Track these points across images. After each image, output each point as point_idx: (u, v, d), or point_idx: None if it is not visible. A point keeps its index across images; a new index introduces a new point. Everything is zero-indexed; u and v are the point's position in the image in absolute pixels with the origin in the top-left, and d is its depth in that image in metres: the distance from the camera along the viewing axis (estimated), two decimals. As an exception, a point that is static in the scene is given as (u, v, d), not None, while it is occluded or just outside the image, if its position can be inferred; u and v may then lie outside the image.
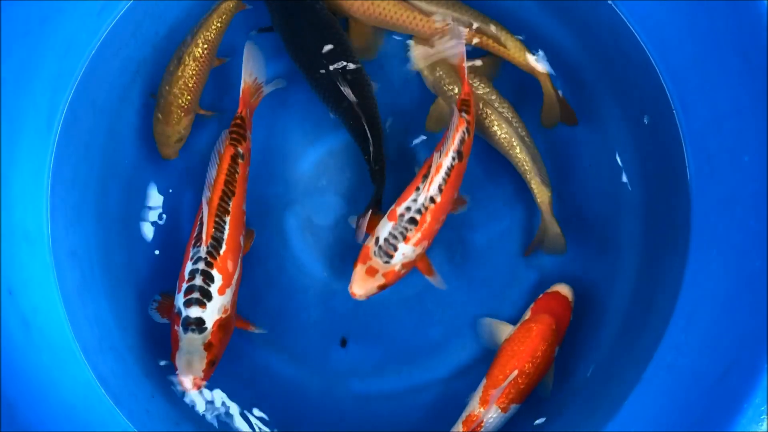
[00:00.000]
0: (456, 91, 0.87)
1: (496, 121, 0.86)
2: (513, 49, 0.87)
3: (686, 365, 0.75)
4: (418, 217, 0.79)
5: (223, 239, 0.78)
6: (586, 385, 0.86)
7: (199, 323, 0.76)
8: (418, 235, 0.79)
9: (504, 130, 0.86)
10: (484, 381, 0.82)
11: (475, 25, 0.86)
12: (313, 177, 0.91)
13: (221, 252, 0.78)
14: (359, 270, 0.81)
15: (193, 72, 0.85)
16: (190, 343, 0.77)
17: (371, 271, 0.80)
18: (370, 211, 0.84)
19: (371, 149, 0.85)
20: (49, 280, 0.82)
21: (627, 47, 0.85)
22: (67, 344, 0.81)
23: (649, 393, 0.78)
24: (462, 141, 0.81)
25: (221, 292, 0.78)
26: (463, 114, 0.82)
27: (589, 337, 0.87)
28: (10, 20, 0.75)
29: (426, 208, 0.79)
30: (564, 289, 0.85)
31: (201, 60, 0.86)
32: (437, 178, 0.79)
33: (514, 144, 0.86)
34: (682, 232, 0.81)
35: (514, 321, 0.87)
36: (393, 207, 0.81)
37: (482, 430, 0.80)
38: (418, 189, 0.80)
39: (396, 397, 0.89)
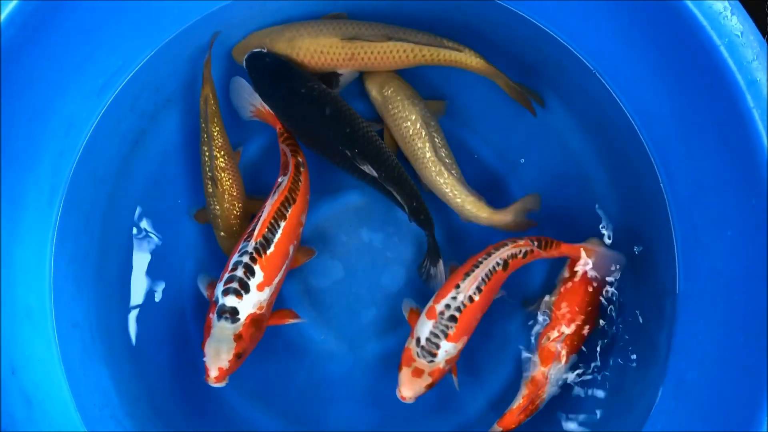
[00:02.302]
0: (404, 114, 0.89)
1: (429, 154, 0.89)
2: (469, 57, 0.88)
3: (677, 433, 0.76)
4: (457, 314, 0.81)
5: (273, 241, 0.80)
6: (580, 451, 0.87)
7: (233, 313, 0.77)
8: (457, 327, 0.81)
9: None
10: (540, 338, 0.85)
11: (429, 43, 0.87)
12: (309, 241, 0.93)
13: (268, 252, 0.79)
14: (405, 373, 0.82)
15: (230, 181, 0.88)
16: (221, 331, 0.77)
17: (417, 373, 0.81)
18: (440, 259, 0.88)
19: (409, 208, 0.87)
20: (52, 354, 0.83)
21: (614, 118, 0.87)
22: (68, 416, 0.82)
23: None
24: (514, 256, 0.83)
25: (260, 288, 0.79)
26: (532, 242, 0.84)
27: (581, 400, 0.88)
28: (14, 104, 0.77)
29: (465, 306, 0.81)
30: (595, 243, 0.87)
31: (228, 167, 0.89)
32: (478, 280, 0.82)
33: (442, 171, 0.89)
34: (669, 300, 0.83)
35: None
36: (431, 304, 0.83)
37: (546, 386, 0.83)
38: (458, 287, 0.82)
39: (394, 460, 0.90)
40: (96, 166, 0.88)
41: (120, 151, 0.91)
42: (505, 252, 0.83)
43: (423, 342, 0.81)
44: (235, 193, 0.89)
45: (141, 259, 0.92)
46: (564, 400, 0.87)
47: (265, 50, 0.89)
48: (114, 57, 0.85)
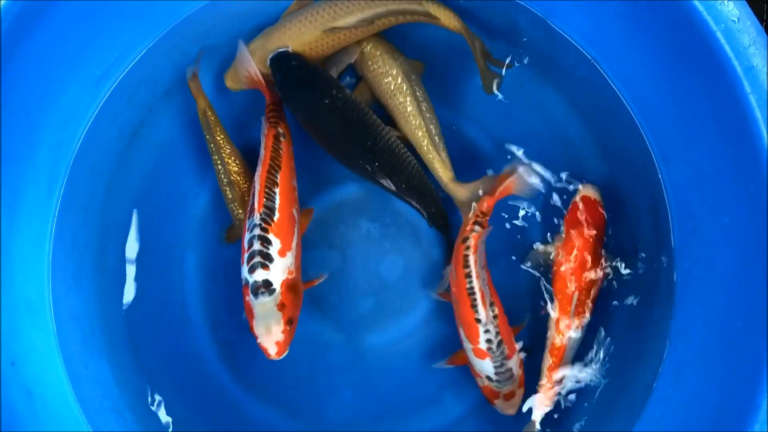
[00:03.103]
0: (384, 69, 0.89)
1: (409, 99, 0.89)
2: (444, 17, 0.86)
3: (675, 421, 0.76)
4: (499, 338, 0.82)
5: (274, 207, 0.80)
6: (578, 439, 0.87)
7: (267, 285, 0.77)
8: (507, 345, 0.83)
9: (412, 111, 0.89)
10: (556, 305, 0.85)
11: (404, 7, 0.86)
12: (306, 232, 0.93)
13: (275, 218, 0.79)
14: (500, 402, 0.86)
15: (246, 183, 0.90)
16: (263, 307, 0.77)
17: (509, 395, 0.85)
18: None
19: (428, 214, 0.88)
20: (51, 346, 0.83)
21: (611, 106, 0.87)
22: (69, 408, 0.83)
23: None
24: (474, 242, 0.83)
25: (282, 254, 0.78)
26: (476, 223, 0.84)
27: (580, 388, 0.88)
28: (12, 97, 0.78)
29: (497, 327, 0.82)
30: (588, 191, 0.87)
31: (241, 170, 0.90)
32: (485, 297, 0.82)
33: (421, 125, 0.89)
34: (667, 286, 0.83)
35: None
36: (469, 346, 0.84)
37: (567, 351, 0.85)
38: (479, 321, 0.82)
39: (393, 450, 0.91)
40: (94, 159, 0.88)
41: (118, 143, 0.91)
42: (476, 253, 0.83)
43: (495, 377, 0.84)
44: (242, 188, 0.90)
45: (140, 252, 0.93)
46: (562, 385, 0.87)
47: (290, 50, 0.88)
48: (111, 49, 0.85)
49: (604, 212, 0.87)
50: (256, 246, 0.77)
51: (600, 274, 0.86)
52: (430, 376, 0.92)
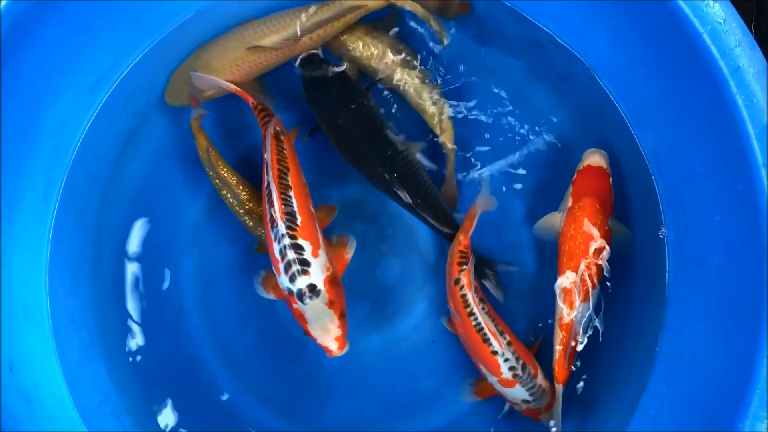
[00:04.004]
0: (360, 47, 0.90)
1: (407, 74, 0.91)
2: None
3: (669, 419, 0.77)
4: (521, 361, 0.83)
5: (295, 212, 0.80)
6: (573, 437, 0.88)
7: (312, 288, 0.78)
8: (530, 365, 0.84)
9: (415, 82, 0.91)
10: (559, 278, 0.84)
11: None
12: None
13: (299, 222, 0.80)
14: (544, 415, 0.86)
15: (260, 208, 0.90)
16: (314, 309, 0.78)
17: (549, 406, 0.86)
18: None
19: (443, 234, 0.88)
20: (49, 351, 0.84)
21: (603, 107, 0.88)
22: (67, 412, 0.83)
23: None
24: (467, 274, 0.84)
25: (315, 254, 0.79)
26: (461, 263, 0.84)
27: (573, 388, 0.89)
28: (8, 104, 0.78)
29: (515, 353, 0.83)
30: (595, 159, 0.85)
31: (252, 197, 0.90)
32: (494, 330, 0.83)
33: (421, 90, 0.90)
34: (660, 285, 0.84)
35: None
36: (494, 379, 0.84)
37: (577, 326, 0.83)
38: (495, 353, 0.83)
39: (390, 451, 0.91)
40: (90, 165, 0.89)
41: (114, 149, 0.92)
42: (471, 289, 0.83)
43: (531, 398, 0.84)
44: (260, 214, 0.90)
45: (137, 257, 0.93)
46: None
47: (320, 52, 0.89)
48: (106, 56, 0.86)
49: (610, 179, 0.85)
50: (290, 255, 0.78)
51: (605, 244, 0.84)
52: (427, 378, 0.93)
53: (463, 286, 0.82)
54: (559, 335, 0.83)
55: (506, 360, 0.82)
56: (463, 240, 0.84)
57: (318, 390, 0.93)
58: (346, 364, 0.93)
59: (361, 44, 0.90)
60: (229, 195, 0.90)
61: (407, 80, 0.91)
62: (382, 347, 0.94)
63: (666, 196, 0.83)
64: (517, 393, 0.84)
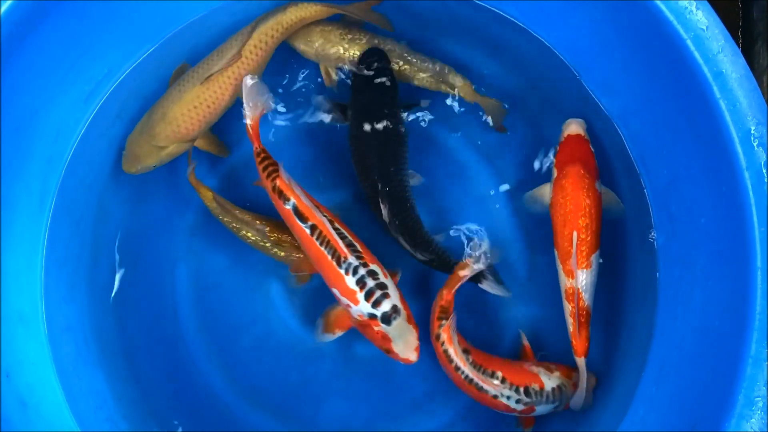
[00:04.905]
0: (339, 51, 0.92)
1: (416, 68, 0.93)
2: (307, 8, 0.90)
3: (658, 420, 0.78)
4: (520, 389, 0.84)
5: (352, 242, 0.83)
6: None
7: (395, 309, 0.81)
8: (534, 383, 0.85)
9: (427, 74, 0.93)
10: (557, 254, 0.85)
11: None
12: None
13: (360, 250, 0.83)
14: (576, 401, 0.86)
15: (275, 234, 0.91)
16: (399, 328, 0.82)
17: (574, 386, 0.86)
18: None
19: (419, 259, 0.88)
20: (45, 358, 0.84)
21: (591, 114, 0.89)
22: (63, 419, 0.84)
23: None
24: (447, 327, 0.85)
25: (386, 276, 0.83)
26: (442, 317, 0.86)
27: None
28: (2, 112, 0.78)
29: (511, 383, 0.84)
30: (573, 128, 0.87)
31: (274, 229, 0.91)
32: (485, 379, 0.84)
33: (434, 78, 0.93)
34: (650, 287, 0.85)
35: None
36: (512, 414, 0.86)
37: (583, 293, 0.83)
38: (496, 397, 0.84)
39: (385, 455, 0.92)
40: (85, 173, 0.90)
41: (108, 157, 0.92)
42: (452, 343, 0.85)
43: (556, 407, 0.85)
44: (289, 240, 0.91)
45: (132, 263, 0.94)
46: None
47: (384, 51, 0.91)
48: (100, 65, 0.87)
49: (590, 145, 0.86)
50: (370, 282, 0.81)
51: (598, 209, 0.85)
52: (419, 382, 0.93)
53: (443, 342, 0.84)
54: (568, 308, 0.84)
55: (509, 398, 0.83)
56: (445, 295, 0.85)
57: (313, 394, 0.94)
58: (340, 370, 0.94)
59: (341, 49, 0.92)
60: (249, 233, 0.91)
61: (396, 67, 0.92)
62: (376, 352, 0.93)
63: (654, 200, 0.85)
64: (541, 410, 0.85)
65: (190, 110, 0.87)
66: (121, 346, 0.92)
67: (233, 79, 0.88)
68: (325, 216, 0.84)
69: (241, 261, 0.95)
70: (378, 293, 0.81)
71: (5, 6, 0.74)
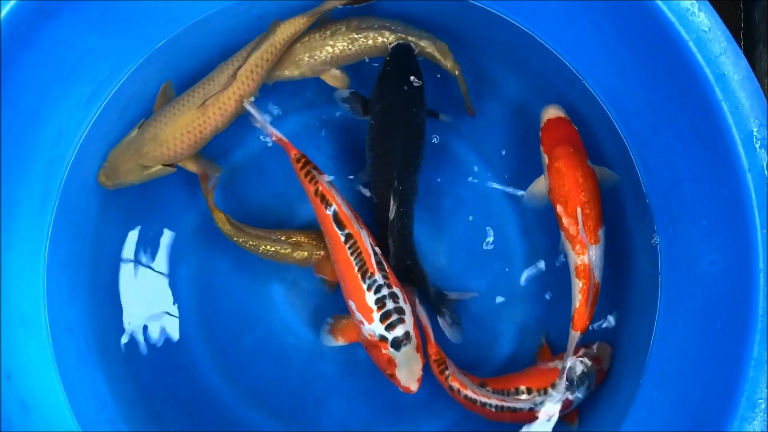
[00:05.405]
0: (329, 50, 0.90)
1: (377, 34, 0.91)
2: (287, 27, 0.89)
3: (659, 421, 0.78)
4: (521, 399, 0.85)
5: (381, 260, 0.83)
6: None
7: (407, 336, 0.81)
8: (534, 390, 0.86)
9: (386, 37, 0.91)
10: (563, 234, 0.85)
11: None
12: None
13: (387, 269, 0.83)
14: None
15: (291, 240, 0.92)
16: (406, 355, 0.82)
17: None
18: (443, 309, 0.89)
19: (403, 263, 0.88)
20: (47, 360, 0.84)
21: (594, 115, 0.89)
22: (65, 421, 0.84)
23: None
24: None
25: (405, 301, 0.82)
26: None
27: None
28: (4, 114, 0.79)
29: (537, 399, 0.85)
30: (552, 112, 0.87)
31: (290, 237, 0.92)
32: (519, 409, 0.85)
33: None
34: (652, 289, 0.85)
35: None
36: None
37: (594, 269, 0.84)
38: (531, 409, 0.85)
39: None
40: (87, 175, 0.90)
41: (111, 159, 0.92)
42: (464, 386, 0.85)
43: (583, 396, 0.86)
44: (307, 240, 0.91)
45: (133, 265, 0.94)
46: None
47: (415, 48, 0.91)
48: (102, 66, 0.87)
49: (573, 125, 0.87)
50: (390, 305, 0.81)
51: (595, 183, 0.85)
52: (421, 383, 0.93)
53: (458, 390, 0.85)
54: (578, 284, 0.84)
55: (542, 403, 0.84)
56: (432, 350, 0.86)
57: (314, 396, 0.94)
58: (341, 371, 0.94)
59: (329, 48, 0.91)
60: (268, 246, 0.90)
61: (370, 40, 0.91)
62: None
63: (655, 202, 0.84)
64: (577, 398, 0.85)
65: (183, 134, 0.86)
66: (121, 349, 0.92)
67: (230, 105, 0.87)
68: (362, 228, 0.83)
69: (242, 263, 0.95)
70: (394, 317, 0.81)
71: (7, 7, 0.74)
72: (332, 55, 0.91)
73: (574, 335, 0.84)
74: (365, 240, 0.82)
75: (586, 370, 0.85)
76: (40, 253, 0.86)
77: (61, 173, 0.87)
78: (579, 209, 0.83)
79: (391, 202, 0.86)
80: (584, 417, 0.88)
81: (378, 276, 0.81)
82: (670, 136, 0.79)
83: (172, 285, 0.95)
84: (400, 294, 0.82)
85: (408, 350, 0.81)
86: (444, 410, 0.93)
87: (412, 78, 0.89)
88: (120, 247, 0.94)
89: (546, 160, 0.87)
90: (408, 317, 0.82)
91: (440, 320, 0.87)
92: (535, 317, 0.94)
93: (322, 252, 0.90)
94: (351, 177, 0.96)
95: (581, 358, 0.86)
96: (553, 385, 0.85)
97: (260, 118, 0.87)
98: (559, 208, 0.85)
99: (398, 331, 0.81)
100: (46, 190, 0.86)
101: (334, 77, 0.93)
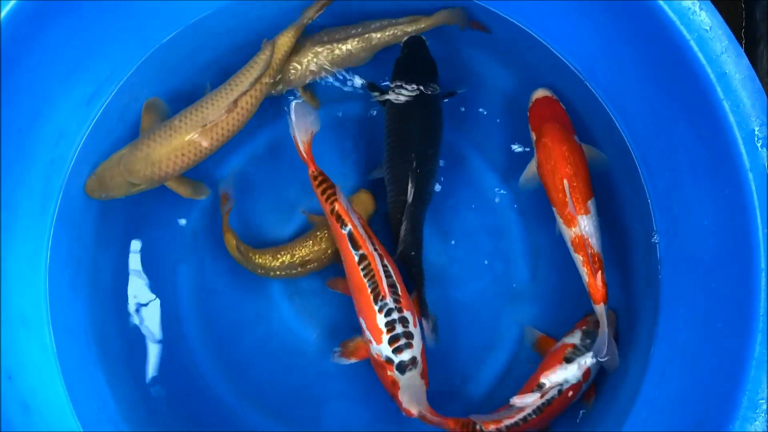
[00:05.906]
0: (310, 66, 0.91)
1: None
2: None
3: (660, 421, 0.78)
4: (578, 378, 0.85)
5: (395, 282, 0.83)
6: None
7: (413, 361, 0.82)
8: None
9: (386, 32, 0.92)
10: (555, 210, 0.86)
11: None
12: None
13: (400, 293, 0.82)
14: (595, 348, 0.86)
15: (302, 252, 0.92)
16: (411, 380, 0.82)
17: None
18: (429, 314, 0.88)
19: (411, 255, 0.88)
20: (49, 360, 0.84)
21: (595, 115, 0.89)
22: (66, 421, 0.84)
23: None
24: (577, 379, 0.85)
25: (415, 324, 0.82)
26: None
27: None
28: (5, 115, 0.79)
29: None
30: (539, 92, 0.89)
31: (297, 252, 0.92)
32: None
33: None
34: (652, 289, 0.85)
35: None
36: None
37: (589, 239, 0.84)
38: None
39: (387, 457, 0.92)
40: (88, 175, 0.90)
41: (111, 161, 0.92)
42: (487, 424, 0.85)
43: (580, 346, 0.87)
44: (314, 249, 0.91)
45: (134, 265, 0.94)
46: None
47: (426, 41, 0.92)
48: (102, 67, 0.87)
49: (560, 103, 0.88)
50: (399, 329, 0.81)
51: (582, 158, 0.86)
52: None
53: (498, 430, 0.85)
54: (579, 259, 0.84)
55: (567, 381, 0.84)
56: (450, 424, 0.86)
57: (314, 396, 0.94)
58: (342, 371, 0.93)
59: (305, 61, 0.92)
60: (279, 270, 0.90)
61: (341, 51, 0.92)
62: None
63: (656, 202, 0.84)
64: (593, 367, 0.85)
65: (177, 156, 0.86)
66: (122, 349, 0.92)
67: (229, 131, 0.87)
68: (376, 250, 0.83)
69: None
70: (402, 341, 0.81)
71: (7, 7, 0.74)
72: (325, 60, 0.92)
73: (599, 309, 0.84)
74: (377, 262, 0.82)
75: (591, 331, 0.86)
76: (41, 253, 0.86)
77: (62, 174, 0.87)
78: (566, 181, 0.84)
79: (409, 185, 0.86)
80: (586, 417, 0.88)
81: (389, 299, 0.81)
82: (671, 135, 0.79)
83: (173, 285, 0.95)
84: (410, 318, 0.82)
85: (413, 375, 0.81)
86: (444, 411, 0.92)
87: (427, 67, 0.91)
88: (121, 247, 0.94)
89: (534, 137, 0.88)
90: (417, 342, 0.82)
91: (424, 323, 0.87)
92: (535, 317, 0.94)
93: (330, 251, 0.90)
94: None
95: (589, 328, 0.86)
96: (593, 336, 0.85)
97: (295, 131, 0.85)
98: (548, 182, 0.86)
99: (405, 356, 0.81)
100: (47, 190, 0.86)
101: (311, 96, 0.95)
